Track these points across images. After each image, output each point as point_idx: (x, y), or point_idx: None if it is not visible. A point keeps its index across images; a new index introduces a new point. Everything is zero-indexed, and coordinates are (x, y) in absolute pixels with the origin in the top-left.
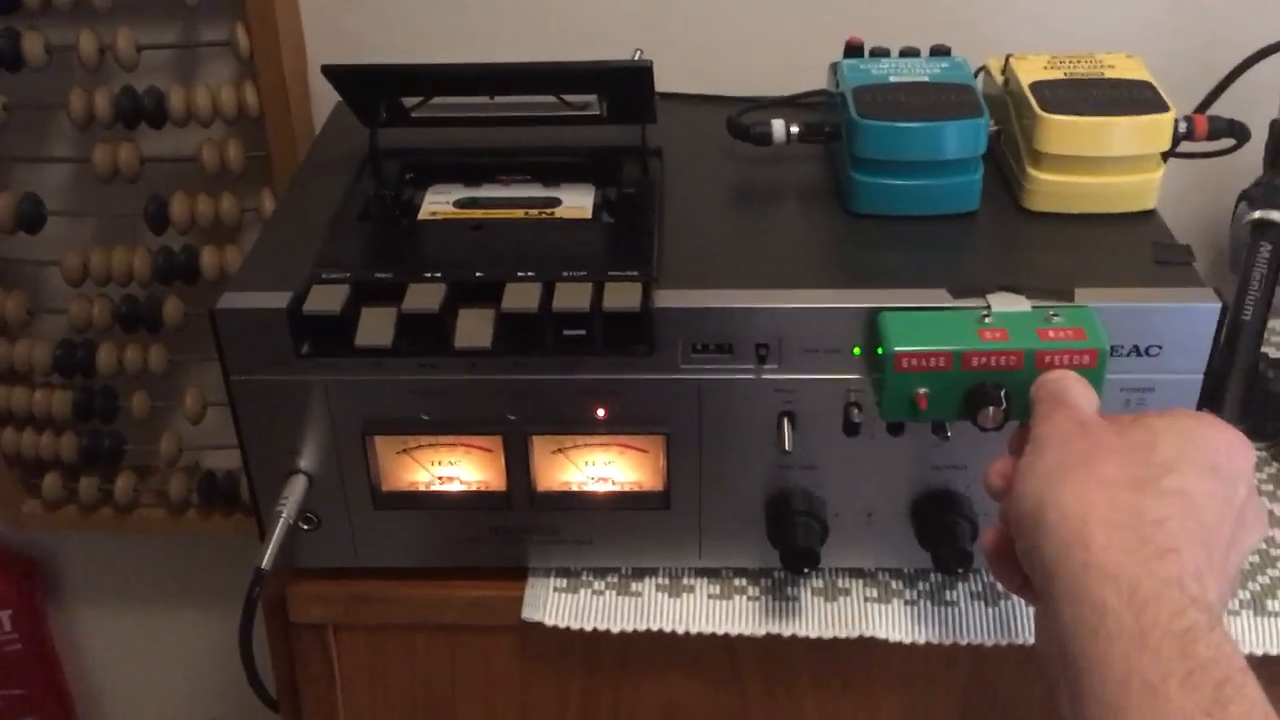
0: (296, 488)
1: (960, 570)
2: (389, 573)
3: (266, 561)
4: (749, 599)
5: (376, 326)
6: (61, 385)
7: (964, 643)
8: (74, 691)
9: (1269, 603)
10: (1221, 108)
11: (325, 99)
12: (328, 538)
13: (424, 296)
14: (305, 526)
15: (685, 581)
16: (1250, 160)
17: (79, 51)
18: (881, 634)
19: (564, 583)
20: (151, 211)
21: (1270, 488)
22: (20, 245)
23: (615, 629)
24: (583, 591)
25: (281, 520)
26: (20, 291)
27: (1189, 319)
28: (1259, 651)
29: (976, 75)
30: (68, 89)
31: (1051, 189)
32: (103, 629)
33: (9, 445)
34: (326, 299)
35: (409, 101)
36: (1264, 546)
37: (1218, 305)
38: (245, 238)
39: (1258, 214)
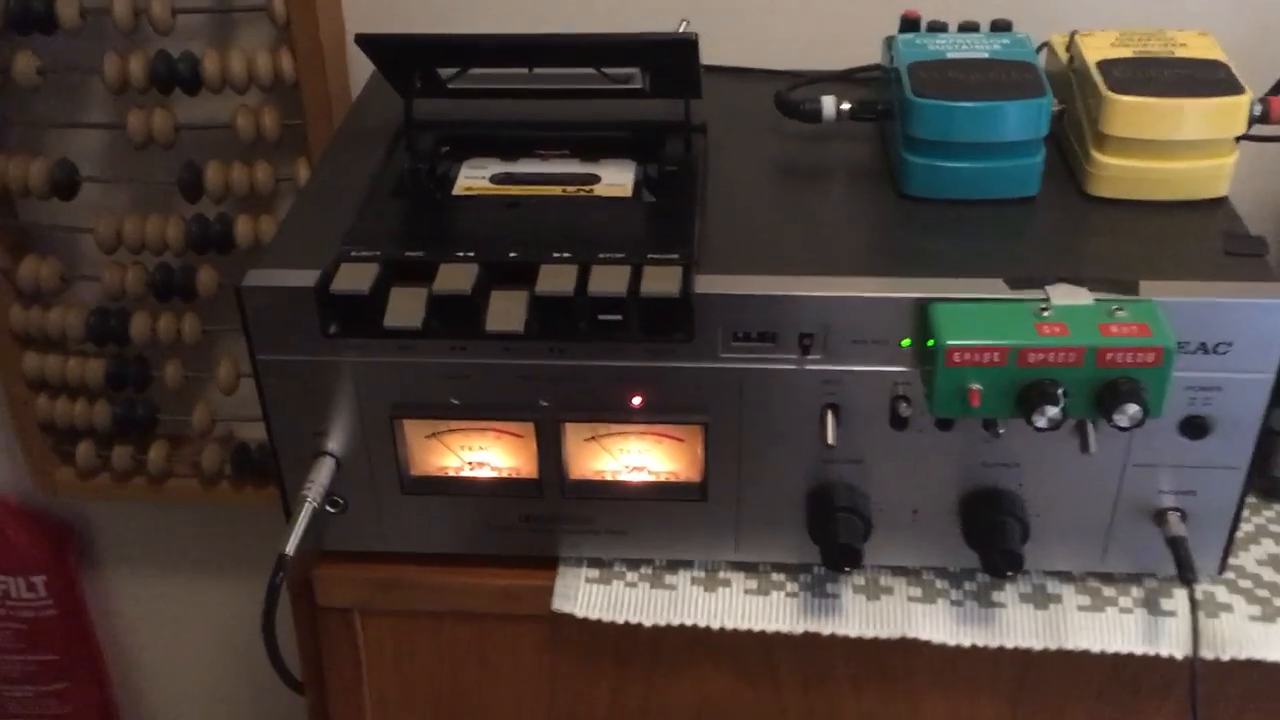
0: (323, 470)
1: (1010, 573)
2: (417, 558)
3: (290, 547)
4: (787, 595)
5: (406, 307)
6: (95, 354)
7: (1010, 646)
8: (107, 657)
9: None
10: None
11: (362, 66)
12: (355, 521)
13: (456, 277)
14: (332, 509)
15: (721, 575)
16: None
17: (114, 14)
18: (924, 635)
19: (596, 573)
20: (186, 179)
21: None
22: (54, 211)
23: (648, 622)
24: (615, 583)
25: (307, 504)
26: (54, 258)
27: (1260, 315)
28: None
29: (1039, 52)
30: (102, 53)
31: (1117, 174)
32: (136, 596)
33: (43, 413)
34: (355, 278)
35: (445, 72)
36: None
37: None
38: (280, 207)
39: None
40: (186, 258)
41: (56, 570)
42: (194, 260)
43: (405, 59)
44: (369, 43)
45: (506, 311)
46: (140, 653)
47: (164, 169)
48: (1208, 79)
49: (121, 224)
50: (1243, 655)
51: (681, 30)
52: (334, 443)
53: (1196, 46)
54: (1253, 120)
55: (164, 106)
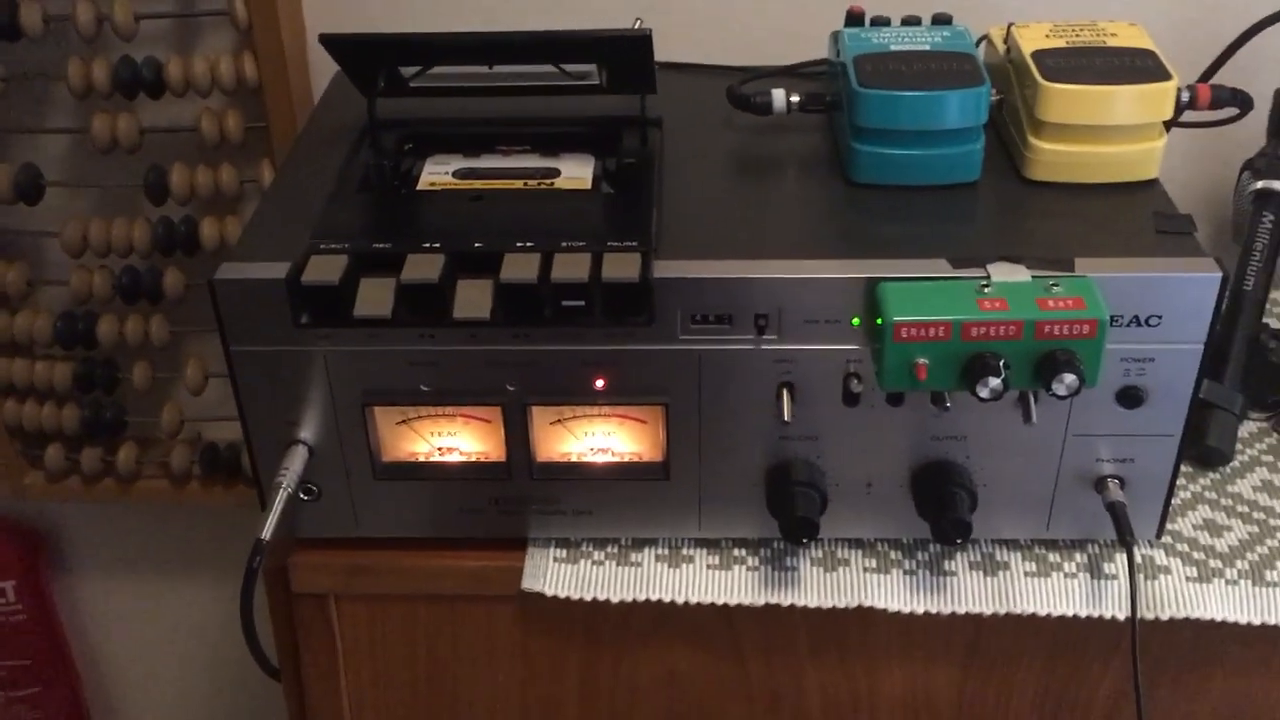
0: (296, 458)
1: (959, 541)
2: (390, 543)
3: (266, 531)
4: (748, 569)
5: (375, 297)
6: (62, 357)
7: (962, 612)
8: (78, 661)
9: (1268, 573)
10: (1225, 76)
11: (324, 68)
12: (328, 508)
13: (423, 267)
14: (305, 497)
15: (685, 552)
16: (1253, 130)
17: (76, 21)
18: (880, 604)
19: (564, 553)
20: (151, 182)
21: (1270, 459)
22: (20, 216)
23: (615, 599)
24: (582, 562)
25: (282, 491)
26: (20, 263)
27: (1190, 289)
28: (1257, 621)
29: (978, 44)
30: (65, 59)
31: (1053, 158)
32: (106, 599)
33: (10, 417)
34: (325, 269)
35: (407, 71)
36: (1262, 517)
37: (1219, 275)
38: (245, 208)
39: (1260, 184)
40: (153, 260)
41: (26, 575)
42: (160, 262)
43: (368, 58)
44: (332, 43)
45: (473, 299)
46: (112, 655)
47: (129, 172)
48: (1137, 67)
49: (87, 227)
50: (1180, 615)
51: (636, 27)
52: (306, 431)
53: (1127, 36)
54: (1181, 106)
55: (128, 110)
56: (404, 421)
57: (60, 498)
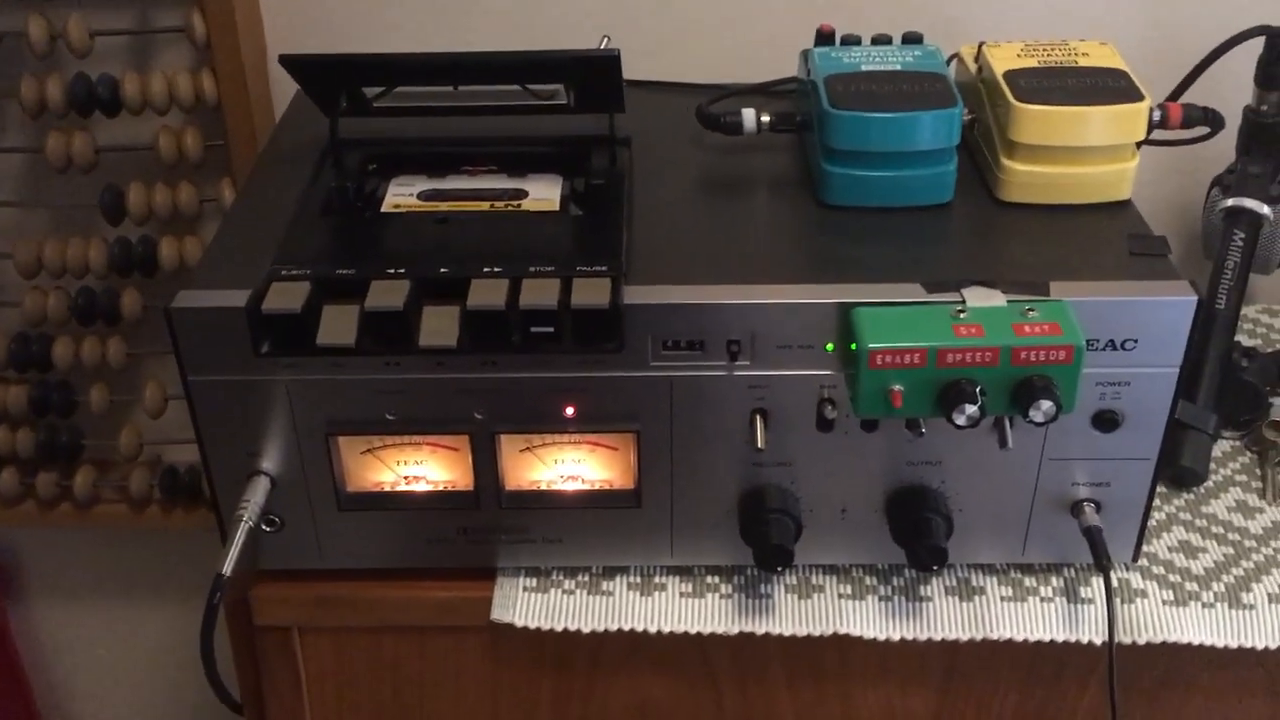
0: (258, 490)
1: (935, 567)
2: (355, 574)
3: (227, 567)
4: (722, 597)
5: (339, 325)
6: (16, 380)
7: (938, 638)
8: (35, 688)
9: (1244, 595)
10: (1195, 95)
11: (286, 85)
12: (292, 539)
13: (387, 294)
14: (268, 529)
15: (657, 580)
16: (1224, 147)
17: (29, 38)
18: (855, 631)
19: (534, 582)
20: (107, 201)
21: (1244, 478)
22: None
23: (586, 629)
24: (553, 591)
25: (243, 524)
26: None
27: (1165, 313)
28: (1234, 644)
29: (949, 63)
30: (18, 76)
31: (1026, 179)
32: (64, 625)
33: None
34: (286, 297)
35: (370, 91)
36: (1236, 538)
37: (1194, 299)
38: (205, 228)
39: (1231, 201)
40: (110, 281)
41: None
42: (117, 283)
43: (330, 79)
44: (293, 64)
45: (439, 327)
46: (70, 683)
47: (85, 191)
48: (1109, 87)
49: (42, 248)
50: (1158, 639)
51: (604, 46)
52: (269, 462)
53: (1098, 56)
54: (1152, 125)
55: (83, 129)
56: (369, 451)
57: (16, 523)
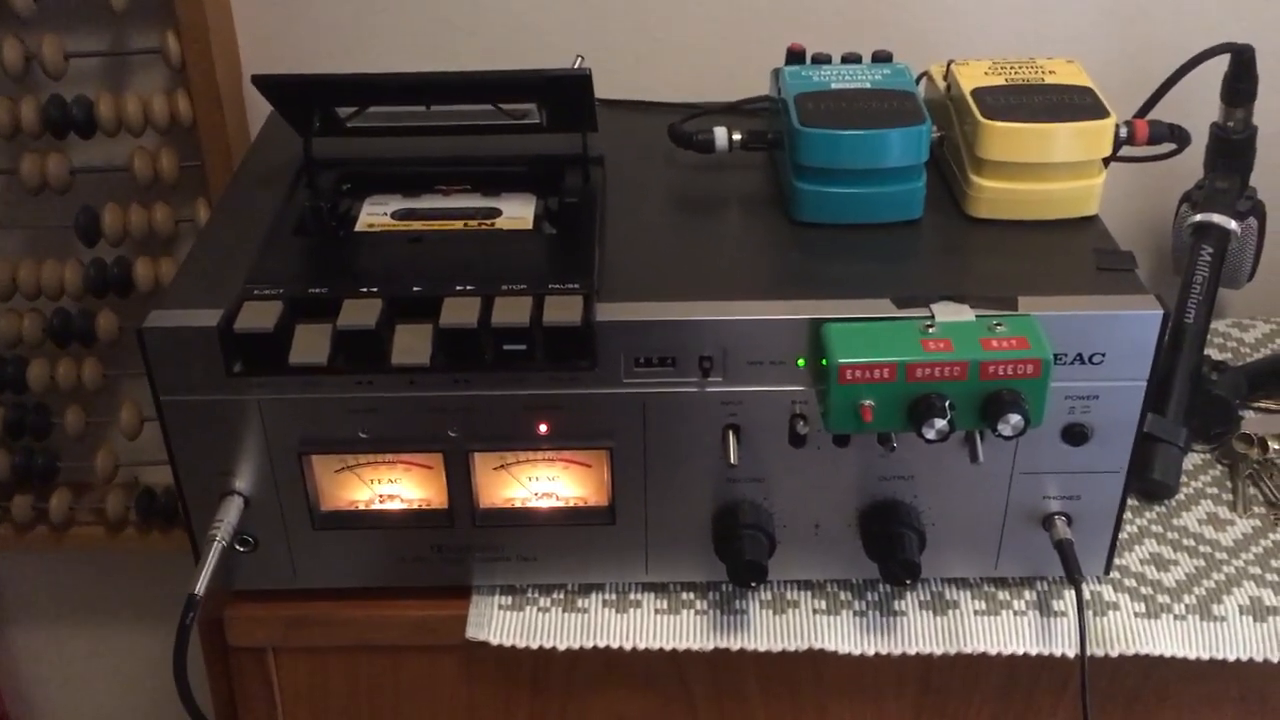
0: (231, 510)
1: (908, 581)
2: (329, 594)
3: (199, 587)
4: (697, 613)
5: (311, 344)
6: None
7: (913, 652)
8: (11, 713)
9: (1215, 607)
10: (1161, 112)
11: (260, 106)
12: (266, 559)
13: (360, 312)
14: (242, 548)
15: (632, 597)
16: (1191, 164)
17: (3, 59)
18: (830, 646)
19: (509, 600)
20: (82, 223)
21: (1214, 491)
22: None
23: (562, 646)
24: (528, 609)
25: (215, 544)
26: None
27: (1132, 327)
28: (1206, 656)
29: (918, 81)
30: None
31: (994, 196)
32: (41, 648)
33: None
34: (259, 316)
35: (344, 111)
36: (1208, 550)
37: (1160, 313)
38: (180, 249)
39: (1199, 217)
40: (85, 302)
41: None
42: (93, 305)
43: (303, 99)
44: (266, 84)
45: (411, 345)
46: (45, 706)
47: (60, 213)
48: (1076, 104)
49: (16, 270)
50: (1130, 651)
51: (577, 66)
52: (242, 481)
53: (1064, 73)
54: (1119, 142)
55: (58, 150)
56: (343, 469)
57: None
